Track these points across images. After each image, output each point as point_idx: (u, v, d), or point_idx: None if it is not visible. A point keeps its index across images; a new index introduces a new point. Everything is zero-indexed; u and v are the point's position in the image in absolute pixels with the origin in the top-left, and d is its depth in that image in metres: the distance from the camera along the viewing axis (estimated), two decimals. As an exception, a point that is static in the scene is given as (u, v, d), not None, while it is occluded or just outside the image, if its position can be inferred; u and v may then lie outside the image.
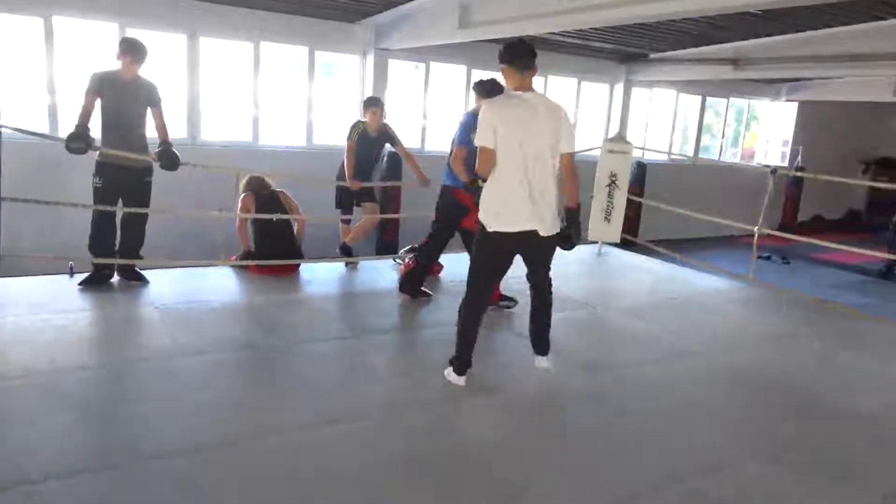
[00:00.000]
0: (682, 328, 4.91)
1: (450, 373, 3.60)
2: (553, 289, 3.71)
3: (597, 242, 7.17)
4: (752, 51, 10.12)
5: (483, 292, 3.58)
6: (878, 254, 8.04)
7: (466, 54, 10.94)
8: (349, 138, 5.65)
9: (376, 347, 4.15)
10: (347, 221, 6.06)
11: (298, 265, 5.63)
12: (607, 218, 6.90)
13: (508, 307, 4.96)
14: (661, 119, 14.22)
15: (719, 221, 6.71)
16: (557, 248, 3.57)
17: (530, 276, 3.67)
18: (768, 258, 12.37)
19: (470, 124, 4.48)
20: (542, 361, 3.75)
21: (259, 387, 3.55)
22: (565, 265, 6.70)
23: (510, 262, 3.55)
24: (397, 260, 6.01)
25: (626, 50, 11.64)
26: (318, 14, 9.19)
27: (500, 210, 3.36)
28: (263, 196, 5.59)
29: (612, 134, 12.60)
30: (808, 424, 3.45)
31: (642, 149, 12.04)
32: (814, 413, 3.59)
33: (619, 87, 12.98)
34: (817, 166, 14.45)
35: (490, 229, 3.39)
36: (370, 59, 10.09)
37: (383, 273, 5.86)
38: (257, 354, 3.94)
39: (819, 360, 4.44)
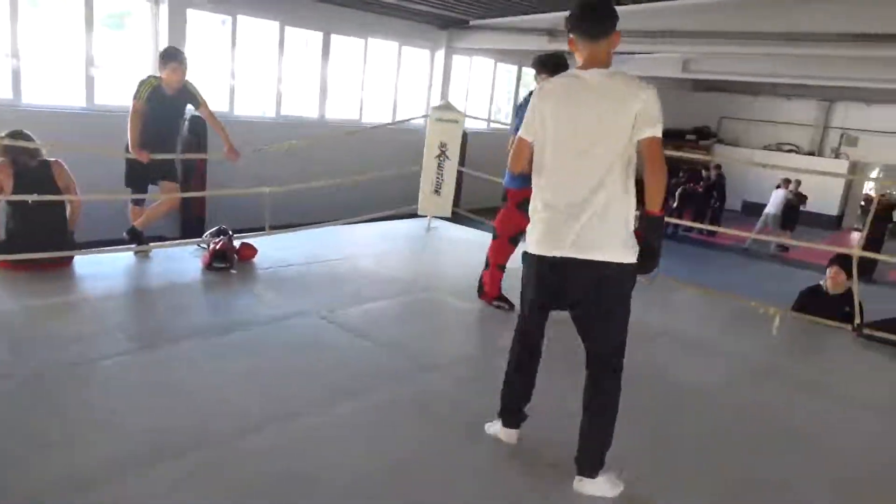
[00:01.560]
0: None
1: (492, 424, 2.84)
2: (614, 367, 2.49)
3: (426, 217, 6.84)
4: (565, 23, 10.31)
5: (519, 328, 2.71)
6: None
7: (280, 9, 9.99)
8: (135, 97, 4.62)
9: (177, 360, 3.36)
10: (140, 202, 5.04)
11: (71, 258, 4.56)
12: (437, 191, 6.58)
13: (501, 308, 4.47)
14: (480, 88, 14.28)
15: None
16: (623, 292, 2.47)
17: (581, 337, 2.55)
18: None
19: (523, 108, 3.78)
20: (583, 484, 2.52)
21: (12, 434, 2.60)
22: (392, 241, 6.33)
23: (553, 301, 2.57)
24: (202, 245, 5.12)
25: (447, 15, 11.37)
26: (94, -52, 7.72)
27: (538, 224, 2.51)
28: (27, 167, 4.39)
29: (433, 102, 12.42)
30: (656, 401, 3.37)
31: (464, 116, 11.96)
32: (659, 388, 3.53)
33: (441, 54, 12.75)
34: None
35: (527, 249, 2.56)
36: (164, 7, 8.77)
37: (183, 262, 4.93)
38: (7, 386, 2.96)
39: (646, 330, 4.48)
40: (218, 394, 3.02)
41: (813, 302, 5.12)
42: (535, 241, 2.51)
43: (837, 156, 18.12)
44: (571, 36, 2.47)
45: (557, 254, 2.43)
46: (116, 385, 3.07)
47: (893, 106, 16.56)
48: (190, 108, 5.06)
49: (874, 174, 17.94)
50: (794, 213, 14.01)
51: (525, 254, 2.58)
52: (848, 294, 4.98)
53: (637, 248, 2.42)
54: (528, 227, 2.56)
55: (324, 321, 4.00)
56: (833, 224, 17.66)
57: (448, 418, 3.00)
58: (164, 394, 3.00)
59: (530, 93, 3.76)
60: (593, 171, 2.39)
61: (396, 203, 6.88)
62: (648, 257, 2.44)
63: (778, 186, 14.01)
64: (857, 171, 17.50)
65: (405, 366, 3.53)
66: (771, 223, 13.66)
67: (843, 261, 5.05)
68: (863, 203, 18.08)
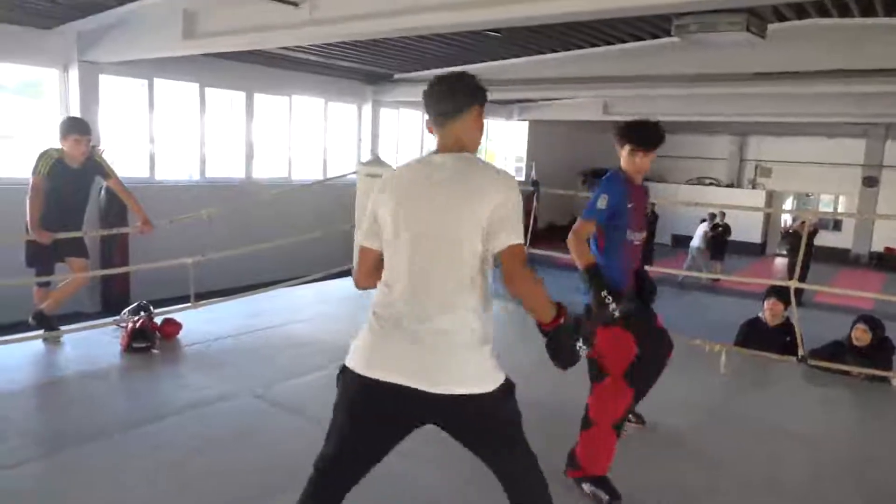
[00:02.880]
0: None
1: None
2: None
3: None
4: (489, 73, 10.50)
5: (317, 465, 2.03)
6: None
7: (198, 71, 9.75)
8: (35, 172, 4.28)
9: (89, 466, 2.97)
10: (46, 284, 4.62)
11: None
12: (371, 248, 6.38)
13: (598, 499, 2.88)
14: (410, 139, 14.33)
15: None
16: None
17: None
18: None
19: (600, 188, 2.99)
20: None
21: None
22: (328, 303, 6.05)
23: (369, 443, 1.97)
24: (120, 325, 4.71)
25: (372, 70, 11.40)
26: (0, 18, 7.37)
27: (368, 334, 1.97)
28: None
29: (364, 155, 12.34)
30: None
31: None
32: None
33: (368, 108, 12.75)
34: (547, 179, 15.91)
35: (347, 361, 1.99)
36: (73, 73, 8.40)
37: (99, 345, 4.50)
38: None
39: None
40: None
41: (753, 334, 5.15)
42: (359, 355, 1.95)
43: (754, 186, 19.03)
44: (427, 118, 2.05)
45: (391, 380, 1.88)
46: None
47: (800, 137, 17.60)
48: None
49: (788, 202, 18.92)
50: (722, 244, 14.53)
51: (348, 372, 1.96)
52: (787, 324, 5.04)
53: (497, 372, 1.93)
54: (359, 335, 2.00)
55: (257, 400, 3.69)
56: (757, 251, 18.41)
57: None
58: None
59: (608, 173, 3.08)
60: (444, 279, 1.91)
61: (333, 262, 6.64)
62: (558, 354, 2.00)
63: (703, 221, 14.52)
64: (772, 199, 18.41)
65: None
66: (697, 255, 14.15)
67: (779, 292, 5.12)
68: (784, 231, 18.95)
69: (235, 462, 3.04)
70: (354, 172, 6.54)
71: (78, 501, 2.70)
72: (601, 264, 2.86)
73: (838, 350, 4.60)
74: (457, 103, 2.01)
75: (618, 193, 2.95)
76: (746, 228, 17.37)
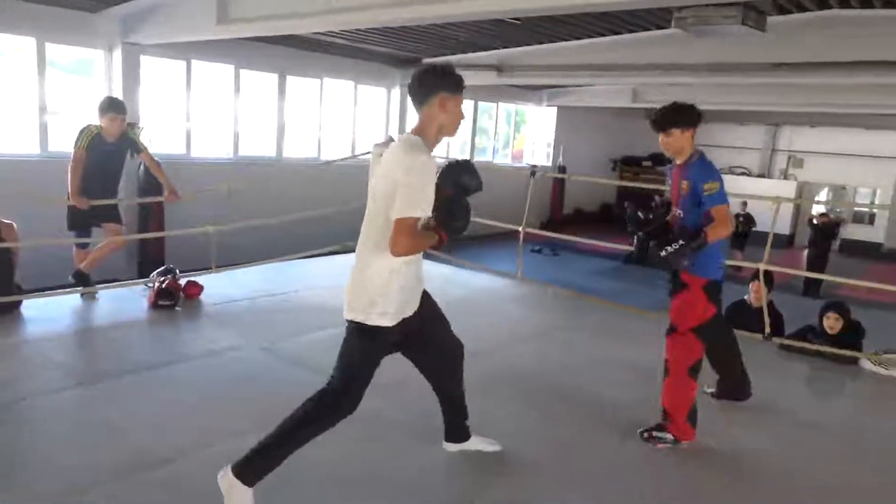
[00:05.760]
0: (461, 331, 4.88)
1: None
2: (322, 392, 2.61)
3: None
4: (513, 58, 10.76)
5: None
6: (619, 245, 9.07)
7: (234, 53, 10.24)
8: (76, 145, 4.82)
9: (117, 395, 3.49)
10: (85, 245, 5.17)
11: (19, 302, 4.65)
12: (384, 224, 6.78)
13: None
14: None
15: (488, 223, 6.97)
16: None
17: None
18: (539, 251, 13.41)
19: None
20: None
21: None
22: (344, 276, 6.44)
23: None
24: (148, 285, 5.23)
25: (400, 54, 11.75)
26: (51, 1, 7.94)
27: None
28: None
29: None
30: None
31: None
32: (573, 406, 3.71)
33: (396, 91, 13.10)
34: (576, 165, 16.08)
35: None
36: (117, 54, 8.97)
37: (130, 301, 5.06)
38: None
39: (578, 354, 4.68)
40: (141, 427, 3.14)
41: (738, 316, 5.38)
42: None
43: (786, 177, 18.81)
44: None
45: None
46: (46, 422, 3.18)
47: (836, 128, 17.32)
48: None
49: (822, 195, 18.62)
50: (744, 235, 14.52)
51: None
52: (770, 306, 5.26)
53: (382, 314, 2.50)
54: None
55: (263, 352, 4.15)
56: (785, 243, 18.24)
57: (380, 436, 3.15)
58: (93, 430, 3.10)
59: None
60: (365, 235, 2.48)
61: (348, 237, 7.05)
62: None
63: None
64: (804, 191, 18.17)
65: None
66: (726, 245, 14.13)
67: (764, 275, 5.33)
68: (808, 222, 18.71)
69: (239, 398, 3.51)
70: (369, 153, 6.91)
71: (111, 420, 3.20)
72: None
73: (810, 334, 4.81)
74: (420, 93, 2.49)
75: (668, 173, 3.57)
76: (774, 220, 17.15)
